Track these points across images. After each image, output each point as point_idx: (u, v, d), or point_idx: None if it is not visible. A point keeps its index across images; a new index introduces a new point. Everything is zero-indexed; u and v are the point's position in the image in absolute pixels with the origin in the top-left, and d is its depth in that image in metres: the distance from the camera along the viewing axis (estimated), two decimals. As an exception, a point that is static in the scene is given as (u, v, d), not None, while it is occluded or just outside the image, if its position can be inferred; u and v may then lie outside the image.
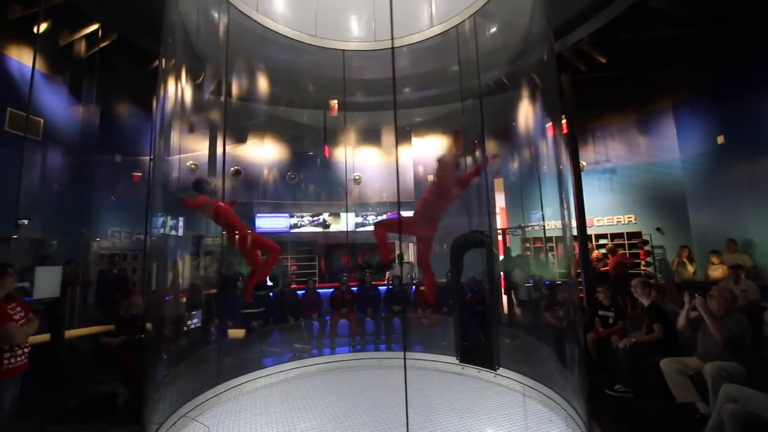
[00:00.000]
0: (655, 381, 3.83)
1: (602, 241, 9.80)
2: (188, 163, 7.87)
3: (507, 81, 5.71)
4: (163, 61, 3.77)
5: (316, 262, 10.94)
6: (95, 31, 6.88)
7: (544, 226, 7.07)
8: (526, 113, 4.93)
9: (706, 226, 8.49)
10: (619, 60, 7.71)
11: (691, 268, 7.61)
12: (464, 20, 5.35)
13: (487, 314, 6.34)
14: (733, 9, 6.06)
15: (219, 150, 6.99)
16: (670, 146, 9.27)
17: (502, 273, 7.12)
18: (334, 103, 6.39)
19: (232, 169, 9.42)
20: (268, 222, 10.31)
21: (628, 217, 9.82)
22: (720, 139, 7.95)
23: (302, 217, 10.51)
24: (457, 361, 5.14)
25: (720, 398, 2.73)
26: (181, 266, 4.75)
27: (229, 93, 5.33)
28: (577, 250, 7.69)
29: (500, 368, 4.81)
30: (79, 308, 6.15)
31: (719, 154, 8.05)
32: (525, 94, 4.79)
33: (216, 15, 5.01)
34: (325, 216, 10.42)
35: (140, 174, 7.79)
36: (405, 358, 2.55)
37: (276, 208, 10.20)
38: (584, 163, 9.80)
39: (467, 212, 5.60)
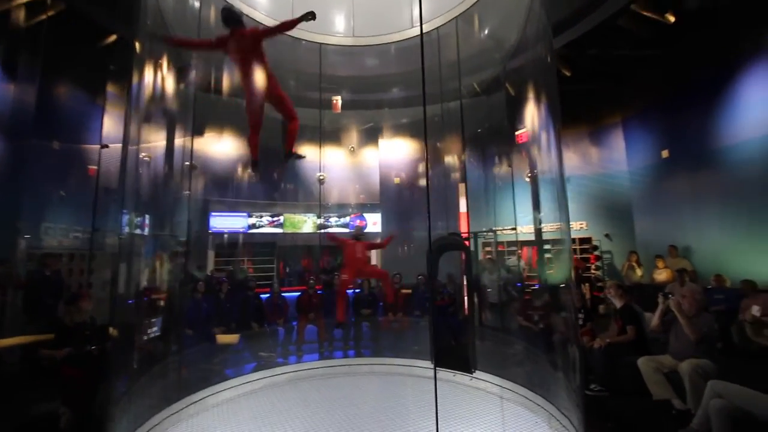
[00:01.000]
0: (629, 379, 4.00)
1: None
2: (141, 155, 7.15)
3: (494, 83, 5.80)
4: (137, 44, 3.37)
5: (275, 265, 10.47)
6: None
7: (516, 228, 7.28)
8: (512, 116, 5.01)
9: (649, 232, 9.16)
10: (583, 74, 8.15)
11: (639, 272, 8.17)
12: (447, 22, 5.35)
13: (458, 316, 6.33)
14: (684, 32, 6.59)
15: (177, 142, 6.41)
16: (618, 158, 9.95)
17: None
18: (337, 99, 6.07)
19: (185, 164, 8.71)
20: (224, 221, 9.71)
21: (580, 224, 10.37)
22: (664, 153, 8.64)
23: (261, 217, 10.03)
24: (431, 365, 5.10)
25: (706, 394, 2.87)
26: (144, 268, 4.24)
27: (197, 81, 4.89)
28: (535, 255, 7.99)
29: (476, 371, 4.85)
30: (10, 315, 5.32)
31: (663, 166, 8.73)
32: (510, 97, 4.86)
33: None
34: (281, 219, 10.04)
35: (96, 168, 6.94)
36: (435, 368, 2.36)
37: (233, 207, 9.62)
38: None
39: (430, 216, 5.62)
